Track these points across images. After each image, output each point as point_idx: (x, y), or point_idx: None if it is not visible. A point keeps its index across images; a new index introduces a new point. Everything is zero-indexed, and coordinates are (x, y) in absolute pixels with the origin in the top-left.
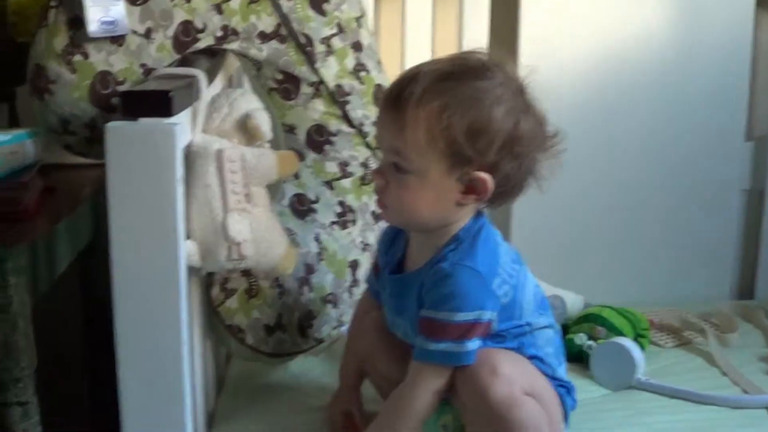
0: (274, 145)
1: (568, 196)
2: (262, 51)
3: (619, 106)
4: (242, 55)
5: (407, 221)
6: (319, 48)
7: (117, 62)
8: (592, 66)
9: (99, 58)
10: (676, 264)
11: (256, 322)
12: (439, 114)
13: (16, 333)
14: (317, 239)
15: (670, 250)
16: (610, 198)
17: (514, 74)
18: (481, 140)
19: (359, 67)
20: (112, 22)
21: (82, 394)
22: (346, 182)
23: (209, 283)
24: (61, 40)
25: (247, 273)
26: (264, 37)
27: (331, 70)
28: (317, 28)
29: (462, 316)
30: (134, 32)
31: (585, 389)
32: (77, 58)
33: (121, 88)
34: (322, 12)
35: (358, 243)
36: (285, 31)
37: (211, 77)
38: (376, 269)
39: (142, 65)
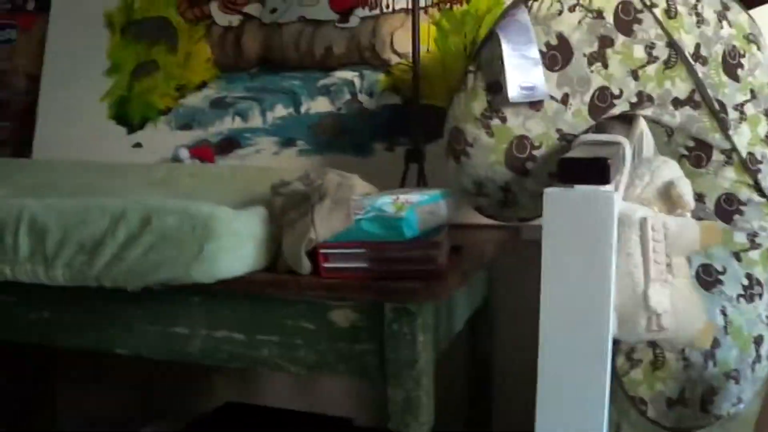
0: None
1: None
2: (675, 117)
3: None
4: (655, 122)
5: None
6: (733, 114)
7: (534, 127)
8: None
9: (516, 123)
10: None
11: (659, 395)
12: None
13: (420, 389)
14: (723, 312)
15: None
16: None
17: None
18: None
19: None
20: (531, 88)
21: None
22: (754, 254)
23: (613, 351)
24: (479, 104)
25: (653, 344)
26: (678, 103)
27: (743, 138)
28: (731, 94)
29: None
30: (551, 97)
31: None
32: (495, 122)
33: (537, 153)
34: (736, 78)
35: (764, 318)
36: (699, 97)
37: None
38: None
39: (558, 130)
